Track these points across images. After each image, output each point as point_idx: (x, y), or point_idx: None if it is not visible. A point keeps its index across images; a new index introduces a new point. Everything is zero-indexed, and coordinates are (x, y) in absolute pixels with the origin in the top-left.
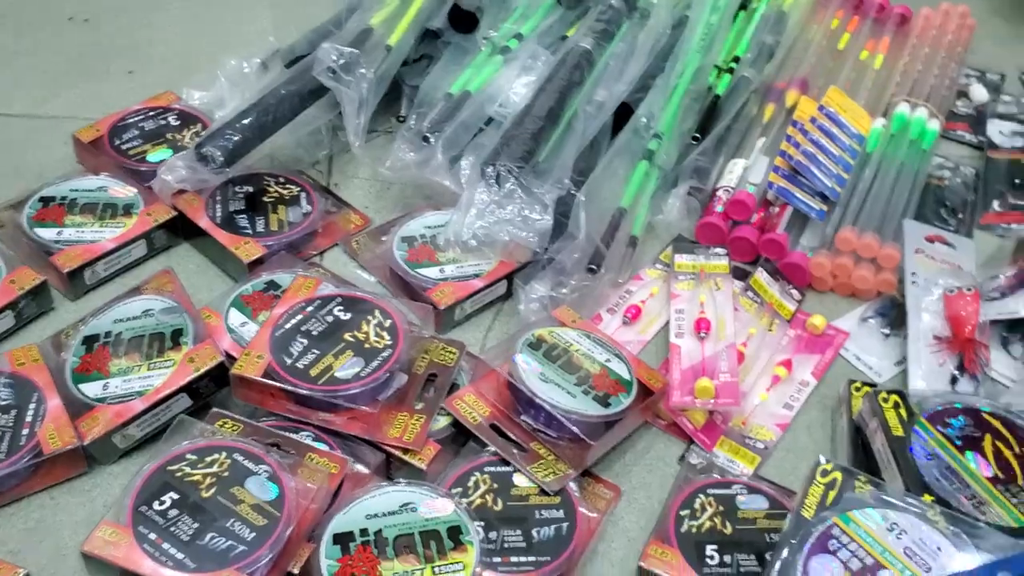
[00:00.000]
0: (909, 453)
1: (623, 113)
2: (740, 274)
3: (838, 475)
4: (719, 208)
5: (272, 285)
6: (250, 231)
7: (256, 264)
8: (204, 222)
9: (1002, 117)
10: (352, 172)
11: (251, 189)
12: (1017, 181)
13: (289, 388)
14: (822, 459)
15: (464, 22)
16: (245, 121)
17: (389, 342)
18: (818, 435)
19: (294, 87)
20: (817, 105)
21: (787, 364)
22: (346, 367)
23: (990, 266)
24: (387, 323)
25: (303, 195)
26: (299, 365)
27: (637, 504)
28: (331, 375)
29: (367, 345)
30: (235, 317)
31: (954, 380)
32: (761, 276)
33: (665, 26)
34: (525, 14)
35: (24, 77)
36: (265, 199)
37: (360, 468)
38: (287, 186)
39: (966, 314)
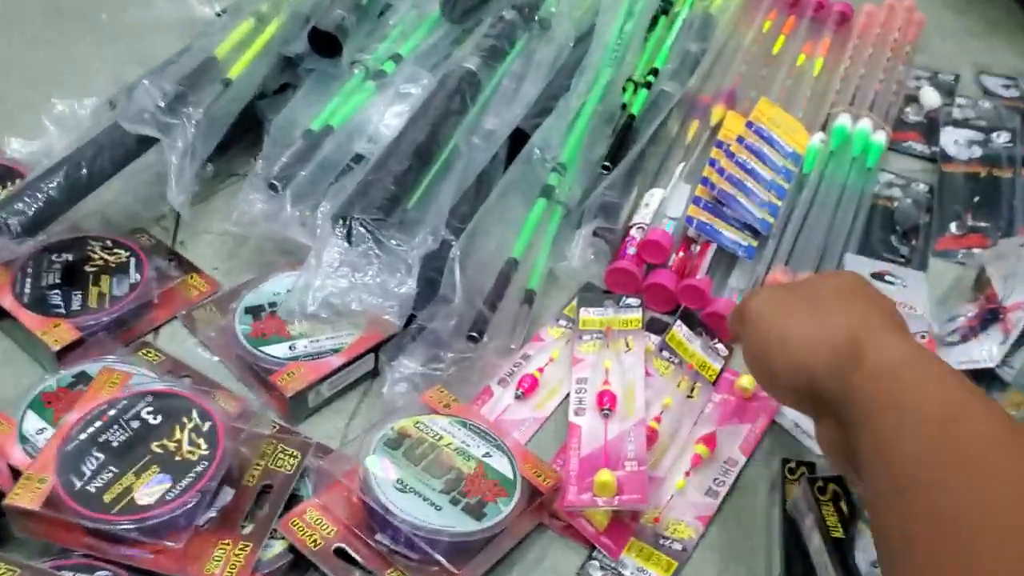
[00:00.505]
0: (852, 563)
1: (519, 142)
2: (658, 327)
3: None
4: (631, 250)
5: (84, 378)
6: (64, 310)
7: (68, 351)
8: (8, 301)
9: (957, 124)
10: (204, 227)
11: (71, 257)
12: (976, 199)
13: (75, 520)
14: None
15: (325, 45)
16: (52, 180)
17: (206, 451)
18: (750, 527)
19: (115, 135)
20: (745, 121)
21: (710, 440)
22: (149, 488)
23: (948, 303)
24: (205, 426)
25: (133, 260)
26: (90, 489)
27: None
28: (130, 500)
29: (178, 457)
30: (32, 423)
31: None
32: (680, 330)
33: (569, 38)
34: (405, 32)
35: None
36: (87, 269)
37: None
38: (114, 251)
39: None
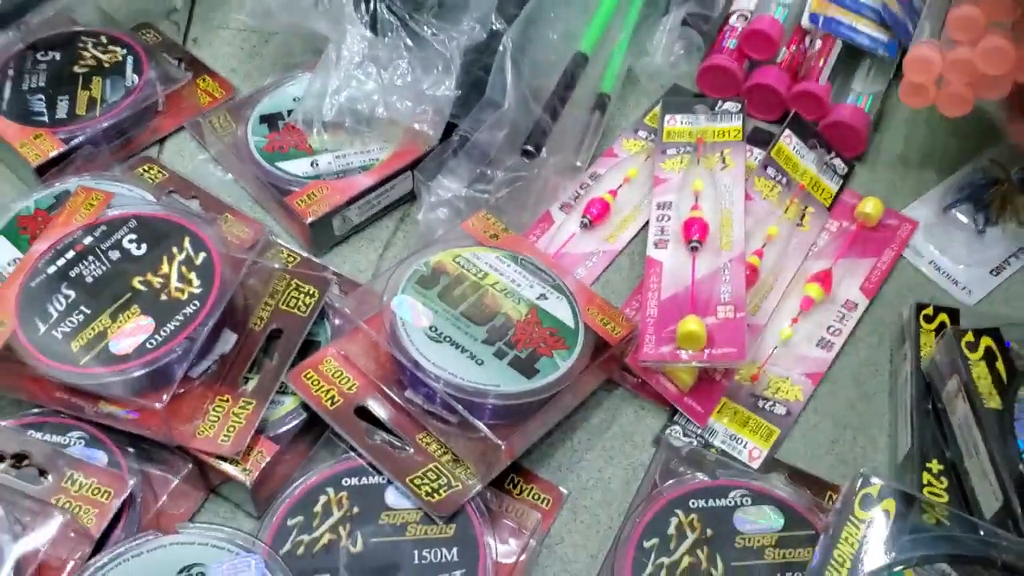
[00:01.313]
0: (1011, 439)
1: None
2: (763, 139)
3: (890, 505)
4: (731, 43)
5: (66, 198)
6: (47, 119)
7: (51, 167)
8: None
9: None
10: (220, 21)
11: (58, 56)
12: None
13: (37, 371)
14: (865, 476)
15: None
16: None
17: (198, 289)
18: (873, 388)
19: None
20: None
21: (825, 278)
22: (128, 333)
23: None
24: (199, 257)
25: (130, 59)
26: (56, 334)
27: (588, 517)
28: (104, 347)
29: (164, 296)
30: (4, 252)
31: None
32: (789, 142)
33: None
34: None
35: None
36: (76, 69)
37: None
38: (111, 48)
39: None
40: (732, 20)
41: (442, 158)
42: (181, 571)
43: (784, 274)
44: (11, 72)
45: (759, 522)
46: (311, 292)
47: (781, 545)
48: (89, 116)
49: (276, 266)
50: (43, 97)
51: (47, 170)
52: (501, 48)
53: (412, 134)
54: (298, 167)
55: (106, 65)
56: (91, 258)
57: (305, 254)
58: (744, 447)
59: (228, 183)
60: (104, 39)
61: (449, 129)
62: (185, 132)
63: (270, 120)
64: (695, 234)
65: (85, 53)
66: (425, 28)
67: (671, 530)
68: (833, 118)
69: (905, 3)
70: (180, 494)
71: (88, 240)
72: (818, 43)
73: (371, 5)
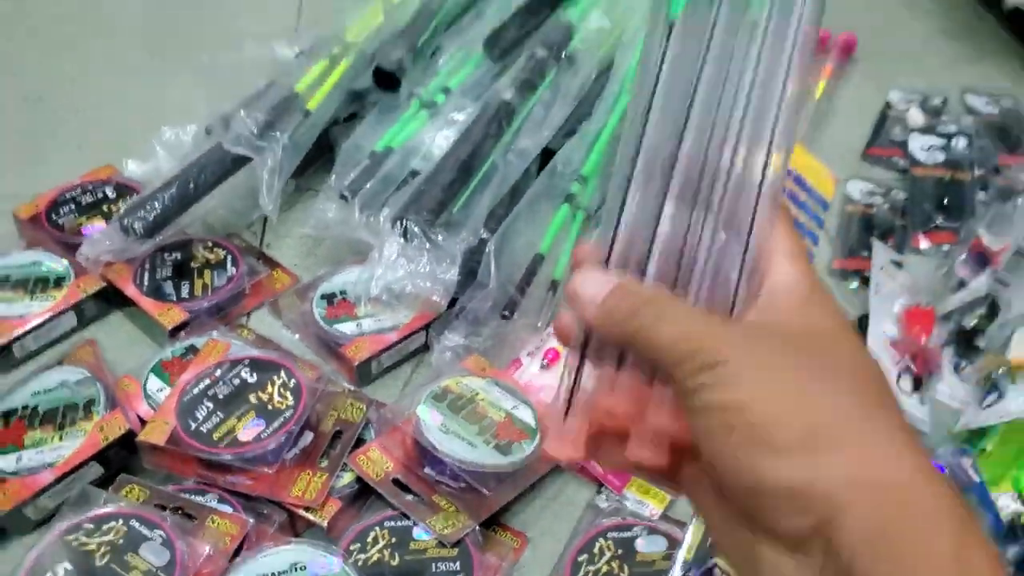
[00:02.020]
0: None
1: (548, 158)
2: None
3: None
4: None
5: (192, 350)
6: (174, 297)
7: (179, 330)
8: (131, 291)
9: (923, 131)
10: (285, 232)
11: (179, 256)
12: (945, 201)
13: (191, 452)
14: None
15: (387, 81)
16: (167, 192)
17: (291, 403)
18: None
19: (216, 155)
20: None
21: None
22: (248, 429)
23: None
24: (291, 383)
25: (229, 258)
26: (203, 429)
27: (543, 551)
28: (233, 437)
29: (270, 406)
30: (153, 384)
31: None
32: None
33: (592, 71)
34: (453, 69)
35: None
36: (193, 264)
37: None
38: (215, 250)
39: (922, 324)
40: None
41: (448, 320)
42: (291, 565)
43: None
44: (147, 266)
45: (651, 547)
46: (360, 407)
47: (667, 559)
48: (202, 296)
49: (338, 390)
50: (171, 282)
51: (176, 332)
52: (487, 250)
53: (428, 304)
54: (348, 328)
55: (213, 262)
56: (221, 383)
57: (352, 388)
58: (646, 507)
59: (295, 342)
60: (210, 244)
61: (453, 301)
62: (265, 308)
63: (328, 297)
64: None
65: (198, 253)
66: (439, 236)
67: (595, 550)
68: None
69: None
70: (277, 535)
71: (218, 372)
72: None
73: (403, 223)
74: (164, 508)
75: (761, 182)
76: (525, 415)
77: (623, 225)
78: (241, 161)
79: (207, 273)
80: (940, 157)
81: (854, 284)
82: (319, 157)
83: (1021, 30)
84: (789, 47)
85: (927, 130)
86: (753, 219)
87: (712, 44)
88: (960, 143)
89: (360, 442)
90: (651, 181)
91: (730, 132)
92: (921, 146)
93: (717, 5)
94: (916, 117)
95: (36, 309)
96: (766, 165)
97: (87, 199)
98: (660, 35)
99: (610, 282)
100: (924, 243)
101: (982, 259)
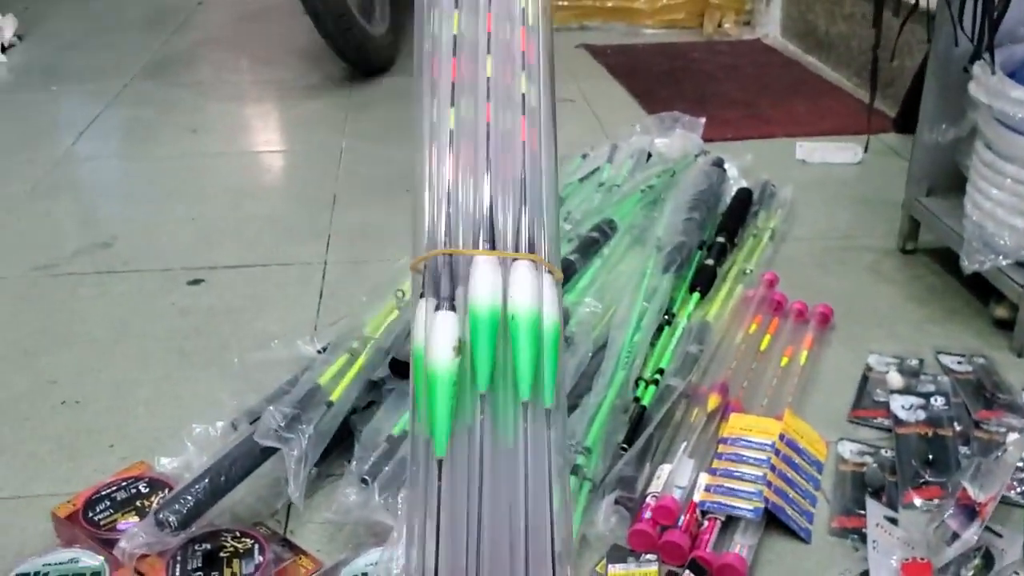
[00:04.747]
0: None
1: None
2: None
3: None
4: (647, 515)
5: None
6: None
7: None
8: None
9: (902, 392)
10: (308, 517)
11: (209, 546)
12: (930, 457)
13: None
14: None
15: (402, 370)
16: (199, 485)
17: None
18: None
19: (245, 447)
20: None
21: None
22: None
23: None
24: None
25: (256, 547)
26: None
27: None
28: None
29: None
30: None
31: None
32: None
33: (588, 350)
34: None
35: (13, 461)
36: (222, 554)
37: None
38: (242, 540)
39: None
40: (647, 499)
41: None
42: None
43: None
44: (179, 557)
45: None
46: None
47: None
48: None
49: None
50: (201, 573)
51: None
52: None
53: None
54: None
55: (241, 551)
56: None
57: None
58: None
59: None
60: (238, 533)
61: None
62: None
63: None
64: None
65: (226, 543)
66: None
67: None
68: (723, 561)
69: (781, 493)
70: None
71: None
72: (705, 522)
73: None
74: None
75: None
76: None
77: None
78: (269, 452)
79: (235, 562)
80: (921, 415)
81: (853, 542)
82: (340, 444)
83: (980, 291)
84: None
85: (906, 391)
86: None
87: None
88: (938, 401)
89: None
90: None
91: None
92: (902, 405)
93: None
94: (895, 379)
95: None
96: None
97: (121, 495)
98: None
99: None
100: (917, 499)
101: (970, 511)
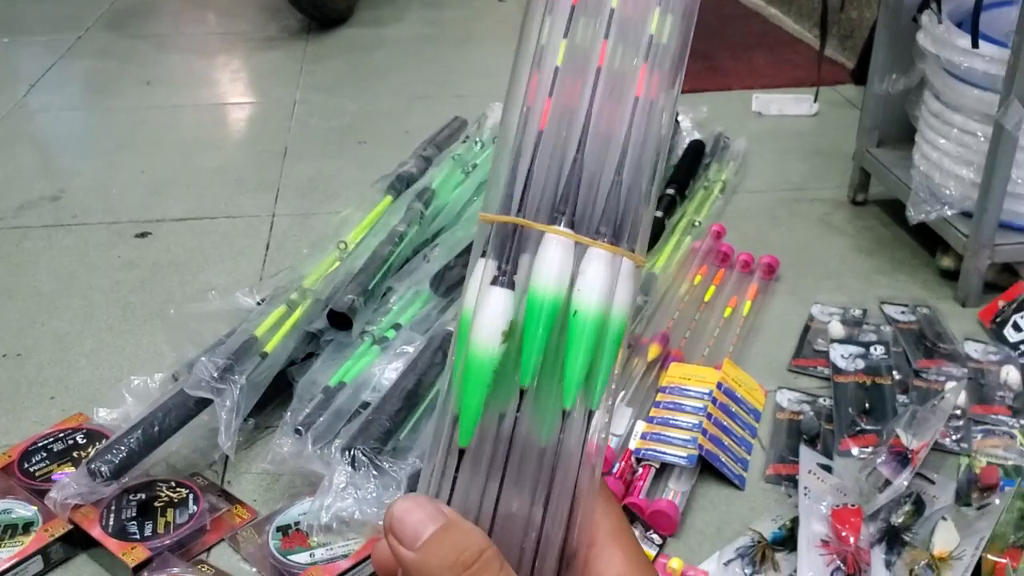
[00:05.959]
0: None
1: None
2: None
3: None
4: None
5: None
6: (138, 536)
7: (142, 568)
8: (96, 532)
9: (842, 342)
10: (245, 468)
11: (144, 496)
12: (868, 405)
13: None
14: None
15: (340, 321)
16: (132, 435)
17: None
18: None
19: (179, 399)
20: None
21: None
22: None
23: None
24: None
25: (191, 496)
26: None
27: None
28: None
29: None
30: None
31: None
32: None
33: None
34: (404, 307)
35: None
36: (156, 504)
37: None
38: (177, 489)
39: (850, 524)
40: None
41: None
42: None
43: None
44: (113, 508)
45: None
46: None
47: None
48: (165, 534)
49: None
50: (135, 522)
51: (139, 570)
52: None
53: (375, 530)
54: (301, 558)
55: (176, 501)
56: None
57: None
58: None
59: (253, 574)
60: (173, 483)
61: None
62: (224, 542)
63: (283, 529)
64: None
65: (161, 493)
66: (385, 463)
67: None
68: (654, 508)
69: (716, 441)
70: None
71: None
72: (640, 470)
73: (351, 452)
74: None
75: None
76: None
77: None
78: (203, 403)
79: (170, 511)
80: (860, 364)
81: (787, 488)
82: (279, 395)
83: (927, 241)
84: None
85: (847, 340)
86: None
87: None
88: (878, 351)
89: None
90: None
91: None
92: (842, 355)
93: None
94: (836, 329)
95: (3, 555)
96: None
97: (58, 447)
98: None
99: (437, 517)
100: (853, 447)
101: (903, 458)
